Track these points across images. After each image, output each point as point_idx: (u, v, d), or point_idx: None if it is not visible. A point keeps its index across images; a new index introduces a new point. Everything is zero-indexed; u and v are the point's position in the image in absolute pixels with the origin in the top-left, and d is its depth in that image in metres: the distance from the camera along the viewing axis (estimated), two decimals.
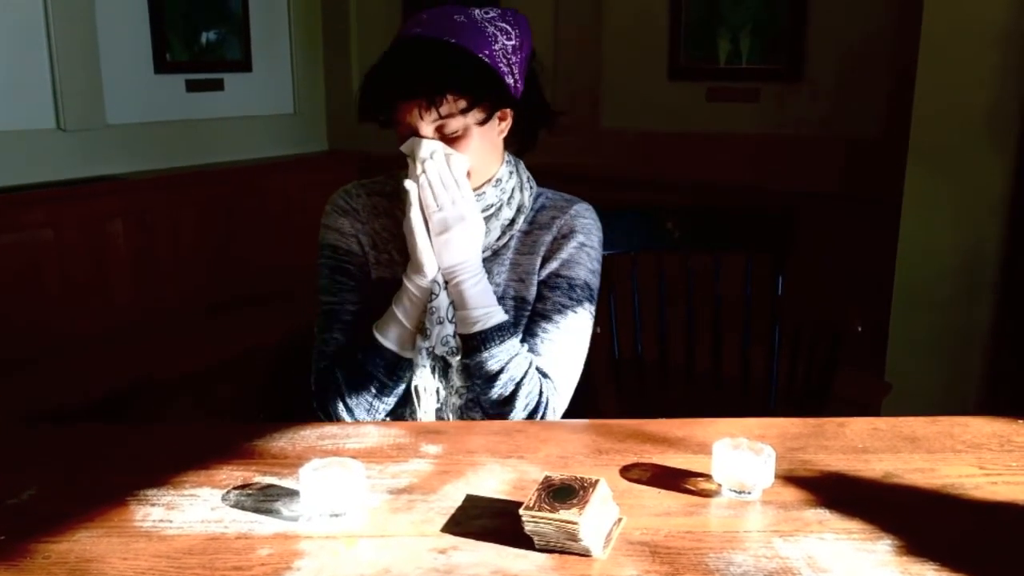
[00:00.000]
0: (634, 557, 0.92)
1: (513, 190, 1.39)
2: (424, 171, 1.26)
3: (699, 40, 3.22)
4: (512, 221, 1.39)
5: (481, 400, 1.35)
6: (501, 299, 1.37)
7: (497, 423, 1.33)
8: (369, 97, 1.28)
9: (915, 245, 2.53)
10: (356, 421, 1.36)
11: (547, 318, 1.37)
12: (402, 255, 1.37)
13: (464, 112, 1.26)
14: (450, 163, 1.28)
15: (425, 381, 1.36)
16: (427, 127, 1.26)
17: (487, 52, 1.28)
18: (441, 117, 1.25)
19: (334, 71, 4.24)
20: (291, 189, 3.98)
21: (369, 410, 1.37)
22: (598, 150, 3.42)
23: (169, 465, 1.12)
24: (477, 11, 1.29)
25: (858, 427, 1.26)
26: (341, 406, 1.36)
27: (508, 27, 1.31)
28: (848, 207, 2.91)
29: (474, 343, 1.31)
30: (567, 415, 1.40)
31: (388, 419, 1.40)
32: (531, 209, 1.42)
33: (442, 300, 1.31)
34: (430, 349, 1.33)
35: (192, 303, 3.60)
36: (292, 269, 3.89)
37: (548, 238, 1.40)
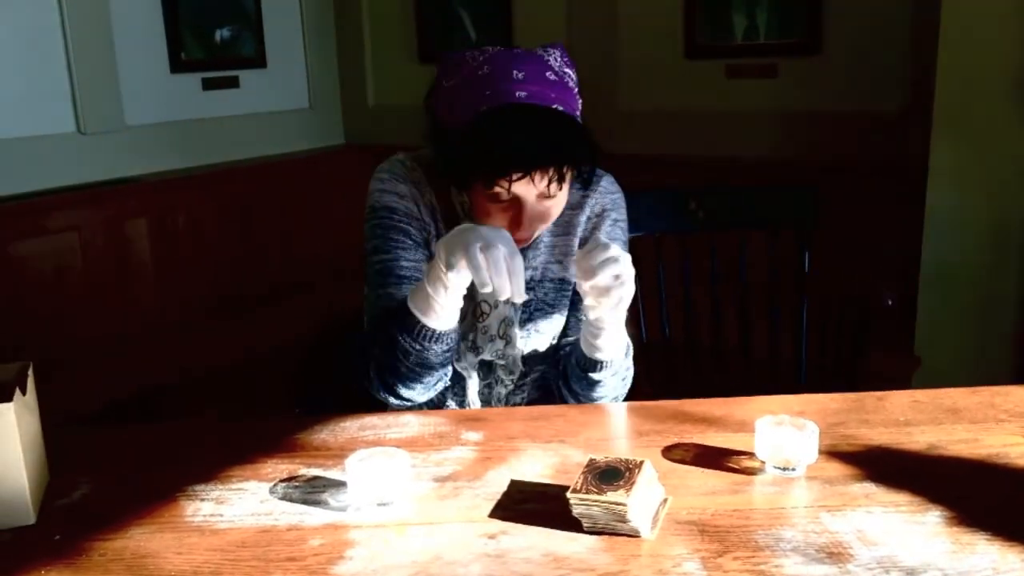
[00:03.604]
0: (683, 536, 0.93)
1: None
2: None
3: (715, 17, 3.19)
4: None
5: (581, 397, 1.38)
6: (540, 282, 1.40)
7: (536, 408, 1.34)
8: (479, 165, 1.21)
9: (942, 216, 2.51)
10: (386, 397, 1.33)
11: None
12: (448, 230, 1.34)
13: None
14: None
15: (472, 381, 1.40)
16: (533, 195, 1.23)
17: (578, 112, 1.26)
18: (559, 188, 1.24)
19: (348, 64, 4.25)
20: (309, 184, 4.00)
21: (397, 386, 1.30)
22: (616, 132, 3.39)
23: (215, 460, 1.13)
24: (552, 60, 1.26)
25: (898, 400, 1.26)
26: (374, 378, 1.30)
27: (572, 72, 1.28)
28: (872, 180, 2.89)
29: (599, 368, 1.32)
30: None
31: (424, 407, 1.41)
32: None
33: (492, 320, 1.34)
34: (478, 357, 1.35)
35: (217, 300, 3.62)
36: (314, 263, 3.92)
37: (583, 218, 1.42)
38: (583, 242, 1.41)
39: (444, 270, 1.14)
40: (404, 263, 1.34)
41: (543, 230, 1.34)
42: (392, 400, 1.31)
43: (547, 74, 1.23)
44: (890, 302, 1.97)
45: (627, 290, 1.18)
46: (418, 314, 1.20)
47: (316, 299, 3.66)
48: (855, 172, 2.90)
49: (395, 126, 3.98)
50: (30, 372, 1.07)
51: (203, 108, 3.76)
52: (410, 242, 1.35)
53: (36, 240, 3.10)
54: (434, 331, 1.21)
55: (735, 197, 2.13)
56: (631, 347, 1.36)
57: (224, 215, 3.68)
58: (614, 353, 1.30)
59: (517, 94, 1.20)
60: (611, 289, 1.17)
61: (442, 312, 1.19)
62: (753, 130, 3.15)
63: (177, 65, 3.65)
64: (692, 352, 2.11)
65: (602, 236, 1.40)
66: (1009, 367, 2.52)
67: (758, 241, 2.02)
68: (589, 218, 1.42)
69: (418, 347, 1.22)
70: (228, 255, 3.68)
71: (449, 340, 1.23)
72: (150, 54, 3.56)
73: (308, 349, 2.12)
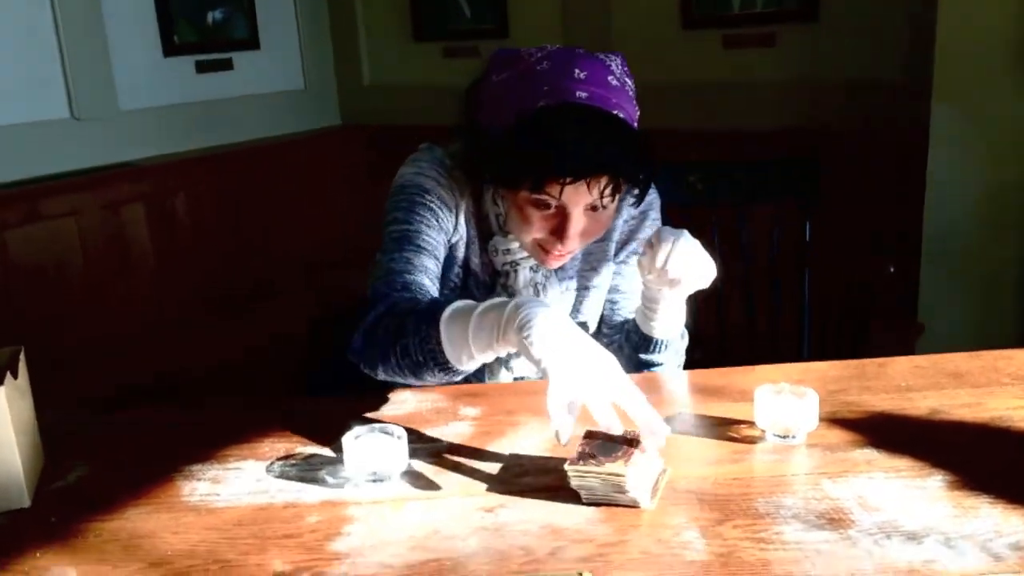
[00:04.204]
0: (683, 506, 0.92)
1: None
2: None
3: None
4: None
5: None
6: (577, 291, 1.38)
7: (534, 383, 1.33)
8: (531, 164, 1.13)
9: (943, 184, 2.48)
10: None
11: None
12: (481, 239, 1.31)
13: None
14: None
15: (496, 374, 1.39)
16: (583, 205, 1.16)
17: (636, 123, 1.20)
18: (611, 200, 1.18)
19: (342, 43, 4.21)
20: (306, 165, 3.97)
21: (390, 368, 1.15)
22: None
23: (211, 441, 1.12)
24: (613, 65, 1.19)
25: (899, 366, 1.25)
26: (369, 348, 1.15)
27: (631, 82, 1.22)
28: (873, 148, 2.86)
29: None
30: None
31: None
32: None
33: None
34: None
35: (215, 287, 3.60)
36: (314, 244, 3.90)
37: (619, 221, 1.37)
38: (620, 246, 1.39)
39: (506, 341, 0.99)
40: (426, 236, 1.24)
41: (582, 247, 1.27)
42: (363, 367, 1.17)
43: (609, 78, 1.16)
44: (892, 269, 1.95)
45: (713, 268, 1.17)
46: (446, 345, 1.03)
47: (317, 281, 3.65)
48: (855, 140, 2.87)
49: (391, 105, 3.96)
50: (22, 356, 1.06)
51: (197, 91, 3.72)
52: (435, 223, 1.25)
53: (32, 227, 3.08)
54: (447, 364, 1.05)
55: (735, 169, 2.11)
56: (687, 334, 1.36)
57: (221, 199, 3.66)
58: (671, 331, 1.29)
59: (578, 94, 1.12)
60: (704, 278, 1.17)
61: (469, 363, 1.05)
62: (752, 100, 3.12)
63: (170, 48, 3.61)
64: (695, 326, 2.10)
65: (643, 236, 1.36)
66: (1012, 333, 2.51)
67: (759, 213, 2.01)
68: (626, 220, 1.38)
69: (421, 359, 1.06)
70: (226, 240, 3.66)
71: (457, 376, 1.08)
72: (142, 38, 3.52)
73: (313, 322, 2.09)
